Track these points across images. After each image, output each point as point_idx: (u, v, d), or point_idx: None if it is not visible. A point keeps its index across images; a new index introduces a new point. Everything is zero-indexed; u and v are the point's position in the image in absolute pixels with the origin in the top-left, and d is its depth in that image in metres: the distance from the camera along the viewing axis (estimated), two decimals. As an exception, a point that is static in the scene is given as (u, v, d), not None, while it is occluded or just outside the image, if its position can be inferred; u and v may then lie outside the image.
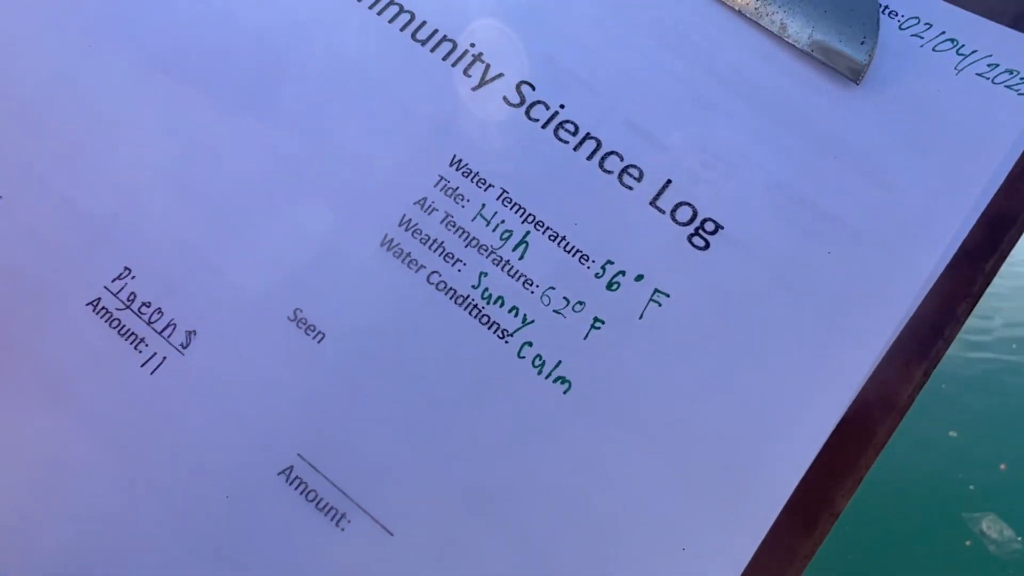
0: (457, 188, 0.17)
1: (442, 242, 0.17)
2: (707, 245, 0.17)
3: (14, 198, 0.18)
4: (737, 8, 0.19)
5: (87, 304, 0.17)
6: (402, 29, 0.19)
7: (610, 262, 0.17)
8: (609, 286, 0.17)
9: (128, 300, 0.17)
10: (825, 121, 0.18)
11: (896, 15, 0.19)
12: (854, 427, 0.17)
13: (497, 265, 0.17)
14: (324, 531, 0.15)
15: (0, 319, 0.17)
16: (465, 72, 0.18)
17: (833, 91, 0.18)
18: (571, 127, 0.18)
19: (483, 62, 0.18)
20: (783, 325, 0.16)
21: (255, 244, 0.17)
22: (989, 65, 0.19)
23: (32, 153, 0.18)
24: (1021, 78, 0.18)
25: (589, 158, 0.18)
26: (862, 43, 0.18)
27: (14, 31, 0.19)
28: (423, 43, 0.19)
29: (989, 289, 0.17)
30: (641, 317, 0.16)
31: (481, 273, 0.17)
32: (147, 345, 0.16)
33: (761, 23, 0.19)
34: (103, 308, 0.17)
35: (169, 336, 0.16)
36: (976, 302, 0.18)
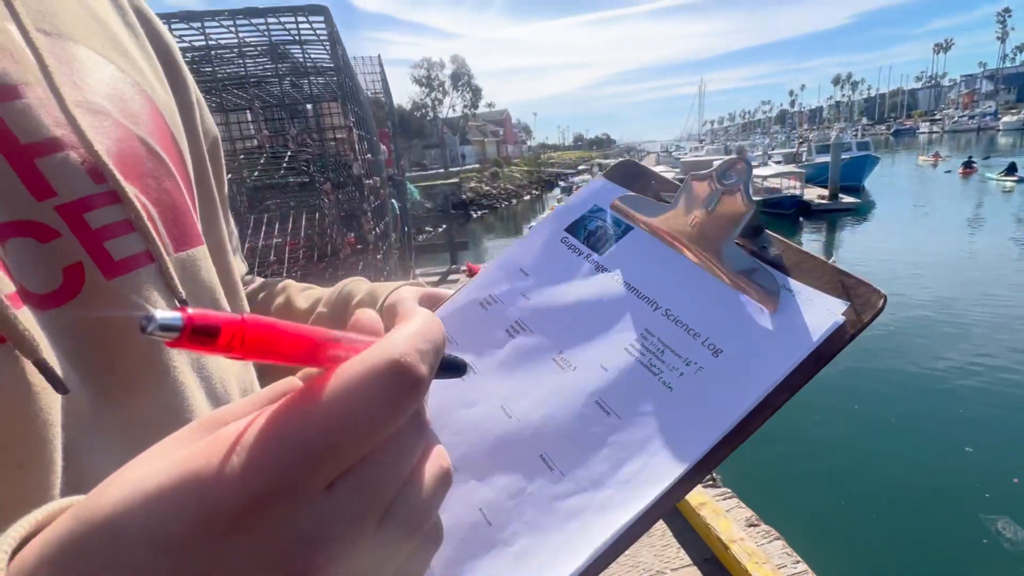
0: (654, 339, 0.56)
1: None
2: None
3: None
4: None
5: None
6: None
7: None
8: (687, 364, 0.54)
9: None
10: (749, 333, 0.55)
11: (789, 291, 0.56)
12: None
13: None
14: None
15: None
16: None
17: (761, 315, 0.55)
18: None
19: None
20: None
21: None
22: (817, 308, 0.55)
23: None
24: (831, 312, 0.54)
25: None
26: (775, 301, 0.55)
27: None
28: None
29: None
30: (681, 375, 0.54)
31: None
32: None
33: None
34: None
35: None
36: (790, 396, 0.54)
